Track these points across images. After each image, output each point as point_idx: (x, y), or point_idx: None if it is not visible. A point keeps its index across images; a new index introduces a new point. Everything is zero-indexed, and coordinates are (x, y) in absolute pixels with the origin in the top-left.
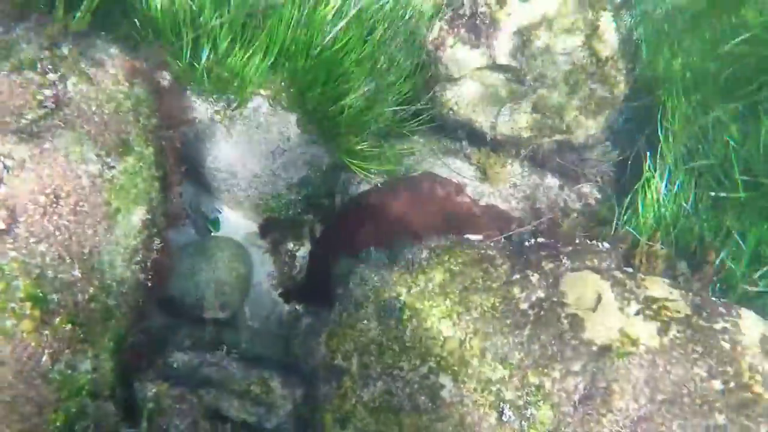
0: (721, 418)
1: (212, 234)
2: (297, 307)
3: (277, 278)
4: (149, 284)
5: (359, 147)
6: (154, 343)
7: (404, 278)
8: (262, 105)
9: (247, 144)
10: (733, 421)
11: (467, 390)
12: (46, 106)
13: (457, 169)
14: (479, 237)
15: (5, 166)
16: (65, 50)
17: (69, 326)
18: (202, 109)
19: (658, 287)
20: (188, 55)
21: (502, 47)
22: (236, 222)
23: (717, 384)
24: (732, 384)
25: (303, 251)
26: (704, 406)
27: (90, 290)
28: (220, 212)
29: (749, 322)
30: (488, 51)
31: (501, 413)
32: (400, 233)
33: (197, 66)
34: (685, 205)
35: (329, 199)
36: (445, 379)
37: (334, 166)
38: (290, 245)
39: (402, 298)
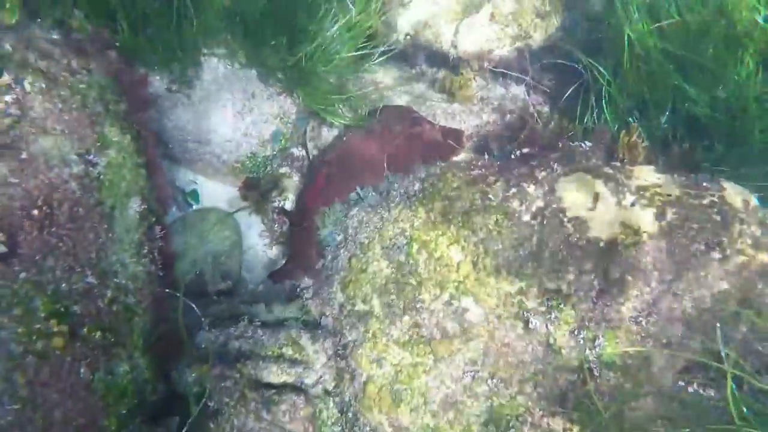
0: (723, 284)
1: (194, 207)
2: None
3: (268, 236)
4: (160, 273)
5: (324, 93)
6: (179, 329)
7: (404, 213)
8: (218, 66)
9: (212, 108)
10: (734, 284)
11: (490, 307)
12: (11, 114)
13: (423, 94)
14: (463, 158)
15: None
16: (8, 46)
17: (98, 333)
18: (156, 82)
19: (646, 175)
20: (127, 30)
21: None
22: (215, 190)
23: (716, 254)
24: (728, 251)
25: (288, 204)
26: (708, 276)
27: (108, 293)
28: (196, 183)
29: (731, 191)
30: None
31: (527, 322)
32: (375, 174)
33: (140, 39)
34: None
35: (302, 148)
36: (467, 302)
37: (301, 114)
38: (275, 202)
39: (407, 233)
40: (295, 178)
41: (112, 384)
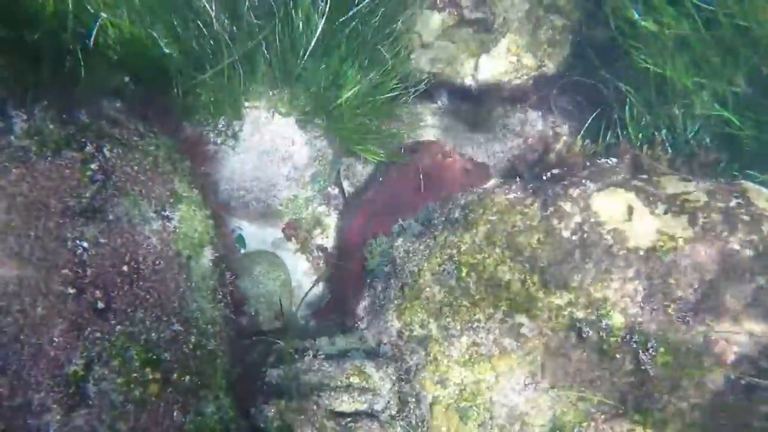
0: (762, 280)
1: (241, 251)
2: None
3: (313, 273)
4: (233, 316)
5: (359, 133)
6: (252, 369)
7: (450, 239)
8: (260, 116)
9: (256, 157)
10: None
11: (543, 321)
12: (97, 180)
13: (448, 127)
14: (496, 183)
15: (84, 249)
16: (84, 118)
17: (187, 377)
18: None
19: (674, 184)
20: (180, 90)
21: (466, 2)
22: (260, 233)
23: (749, 252)
24: (761, 248)
25: (329, 242)
26: (745, 274)
27: (192, 339)
28: (241, 229)
29: (754, 192)
30: (455, 10)
31: (579, 332)
32: (412, 207)
33: (191, 99)
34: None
35: (338, 186)
36: (521, 318)
37: (337, 154)
38: (317, 240)
39: (455, 258)
40: (333, 215)
41: (202, 425)
